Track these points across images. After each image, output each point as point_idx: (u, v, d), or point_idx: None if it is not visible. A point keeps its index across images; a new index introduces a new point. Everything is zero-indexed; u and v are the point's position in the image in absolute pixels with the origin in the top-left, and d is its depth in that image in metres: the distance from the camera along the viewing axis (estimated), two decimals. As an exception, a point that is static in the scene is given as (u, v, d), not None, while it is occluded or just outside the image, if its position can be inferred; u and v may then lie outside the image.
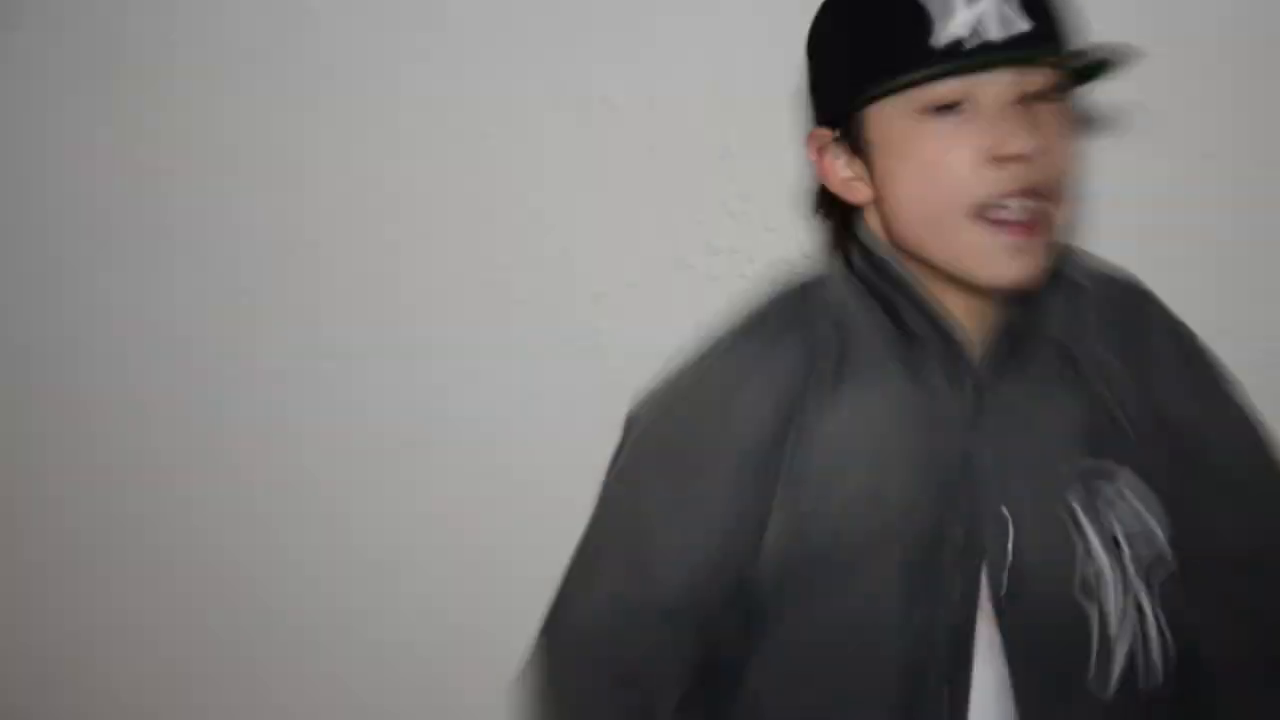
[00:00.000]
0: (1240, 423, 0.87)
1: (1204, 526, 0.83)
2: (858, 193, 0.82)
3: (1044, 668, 0.77)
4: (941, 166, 0.74)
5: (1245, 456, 0.87)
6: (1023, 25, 0.73)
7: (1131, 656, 0.78)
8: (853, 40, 0.78)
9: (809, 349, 0.81)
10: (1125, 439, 0.82)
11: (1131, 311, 0.87)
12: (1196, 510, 0.83)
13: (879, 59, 0.74)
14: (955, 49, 0.72)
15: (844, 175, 0.82)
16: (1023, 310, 0.81)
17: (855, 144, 0.80)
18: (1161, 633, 0.79)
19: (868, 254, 0.83)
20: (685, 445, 0.82)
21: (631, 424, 0.88)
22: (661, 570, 0.81)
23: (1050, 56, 0.75)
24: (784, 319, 0.84)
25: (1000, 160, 0.73)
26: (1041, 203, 0.75)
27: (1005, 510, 0.78)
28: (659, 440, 0.85)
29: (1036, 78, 0.75)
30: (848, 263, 0.85)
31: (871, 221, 0.84)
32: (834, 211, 0.87)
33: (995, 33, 0.72)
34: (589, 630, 0.84)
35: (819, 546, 0.78)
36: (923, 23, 0.72)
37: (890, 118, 0.77)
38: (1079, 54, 0.77)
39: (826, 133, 0.82)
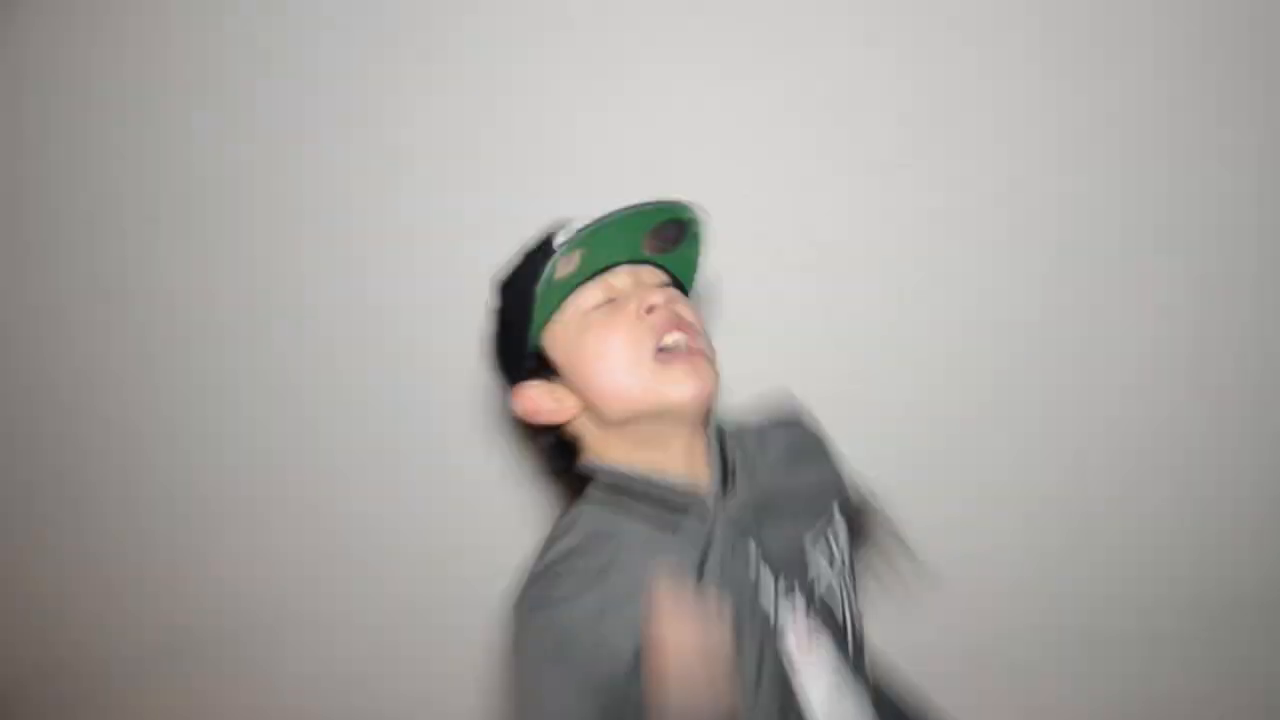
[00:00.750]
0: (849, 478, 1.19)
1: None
2: (567, 407, 1.01)
3: (834, 642, 1.03)
4: (614, 336, 0.97)
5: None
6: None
7: (854, 622, 1.08)
8: (513, 299, 1.00)
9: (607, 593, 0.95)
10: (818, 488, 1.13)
11: (783, 434, 1.15)
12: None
13: (531, 293, 0.95)
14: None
15: (550, 403, 1.01)
16: (721, 448, 1.06)
17: (549, 373, 1.01)
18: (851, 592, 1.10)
19: (600, 475, 1.02)
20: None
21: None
22: None
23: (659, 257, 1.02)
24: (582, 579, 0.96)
25: (649, 310, 0.98)
26: (691, 334, 0.99)
27: (772, 575, 1.01)
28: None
29: (644, 271, 1.03)
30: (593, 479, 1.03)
31: (587, 436, 1.03)
32: (561, 454, 1.06)
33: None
34: None
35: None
36: (548, 251, 0.96)
37: (565, 333, 0.99)
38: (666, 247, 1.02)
39: (526, 384, 1.02)
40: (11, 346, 1.88)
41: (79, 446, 1.91)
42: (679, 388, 0.94)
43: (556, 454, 1.05)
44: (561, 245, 0.93)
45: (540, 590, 0.93)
